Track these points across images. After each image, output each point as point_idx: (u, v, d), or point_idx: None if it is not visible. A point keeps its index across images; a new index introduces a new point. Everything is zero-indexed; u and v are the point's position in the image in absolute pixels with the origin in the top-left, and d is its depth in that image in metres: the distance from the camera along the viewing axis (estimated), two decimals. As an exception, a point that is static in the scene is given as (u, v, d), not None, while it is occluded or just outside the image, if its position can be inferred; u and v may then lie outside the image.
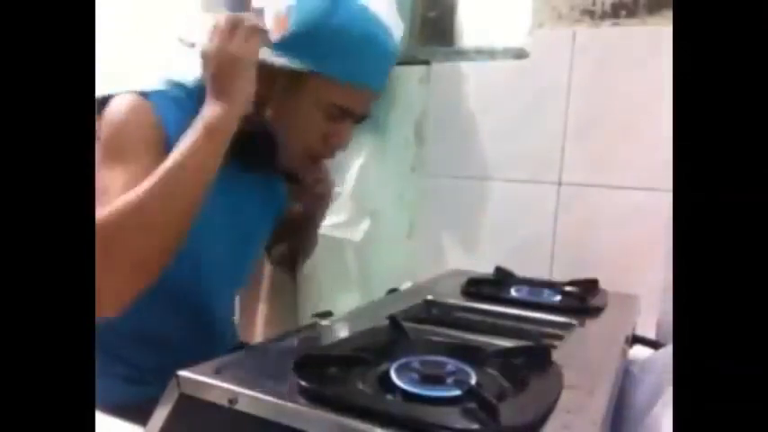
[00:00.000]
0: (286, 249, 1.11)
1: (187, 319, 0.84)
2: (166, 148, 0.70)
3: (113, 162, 0.70)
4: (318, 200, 0.97)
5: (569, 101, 1.23)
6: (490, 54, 1.35)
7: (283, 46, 0.73)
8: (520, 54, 1.28)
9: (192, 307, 0.84)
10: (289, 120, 0.77)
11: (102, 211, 0.62)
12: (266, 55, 0.73)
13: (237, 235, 0.87)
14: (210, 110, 0.68)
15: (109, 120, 0.72)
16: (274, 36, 0.73)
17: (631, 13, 1.18)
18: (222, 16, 0.70)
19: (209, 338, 0.88)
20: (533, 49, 1.26)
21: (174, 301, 0.81)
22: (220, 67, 0.68)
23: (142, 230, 0.63)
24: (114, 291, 0.63)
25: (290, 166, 0.83)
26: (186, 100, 0.77)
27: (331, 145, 0.80)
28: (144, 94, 0.75)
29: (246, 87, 0.69)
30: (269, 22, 0.73)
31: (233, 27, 0.69)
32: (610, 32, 1.19)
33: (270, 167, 0.84)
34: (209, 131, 0.67)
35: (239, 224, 0.87)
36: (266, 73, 0.73)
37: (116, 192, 0.65)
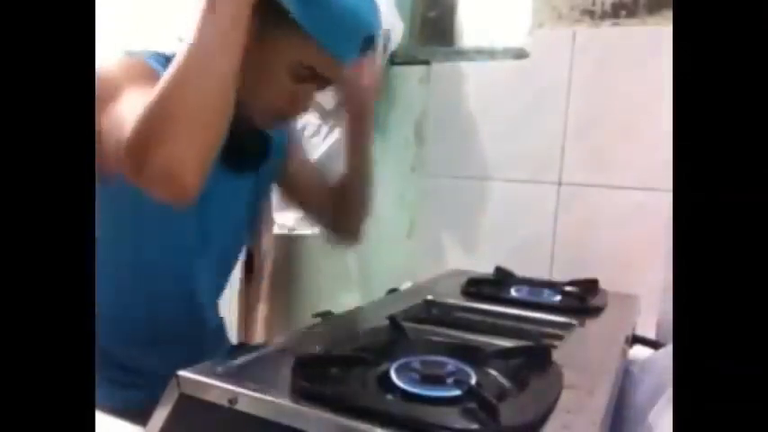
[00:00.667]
0: (343, 220, 1.02)
1: (174, 305, 0.85)
2: None
3: (118, 97, 0.68)
4: (365, 98, 0.91)
5: (569, 101, 1.23)
6: (490, 54, 1.35)
7: None
8: (520, 54, 1.29)
9: (180, 293, 0.85)
10: (256, 75, 0.74)
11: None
12: None
13: (226, 222, 0.87)
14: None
15: (103, 71, 0.70)
16: None
17: (631, 13, 1.18)
18: None
19: (196, 327, 0.89)
20: (533, 49, 1.26)
21: (160, 287, 0.82)
22: None
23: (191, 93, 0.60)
24: (191, 156, 0.60)
25: (256, 124, 0.81)
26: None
27: (295, 105, 0.78)
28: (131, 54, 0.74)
29: None
30: None
31: None
32: (610, 32, 1.19)
33: (257, 167, 0.84)
34: None
35: (227, 212, 0.86)
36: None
37: (135, 111, 0.63)
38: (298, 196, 1.02)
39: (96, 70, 0.69)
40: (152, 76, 0.70)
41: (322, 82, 0.77)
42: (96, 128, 0.65)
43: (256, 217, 0.99)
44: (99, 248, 0.74)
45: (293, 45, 0.72)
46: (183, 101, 0.60)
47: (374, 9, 0.76)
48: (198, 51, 0.62)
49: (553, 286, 0.98)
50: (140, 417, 0.55)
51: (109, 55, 0.74)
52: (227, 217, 0.88)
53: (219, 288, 0.96)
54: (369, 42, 0.76)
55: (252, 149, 0.84)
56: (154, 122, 0.59)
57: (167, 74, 0.61)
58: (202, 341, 0.90)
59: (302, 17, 0.70)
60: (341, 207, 0.98)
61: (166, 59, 0.75)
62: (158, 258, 0.82)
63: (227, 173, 0.82)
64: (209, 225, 0.84)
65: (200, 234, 0.83)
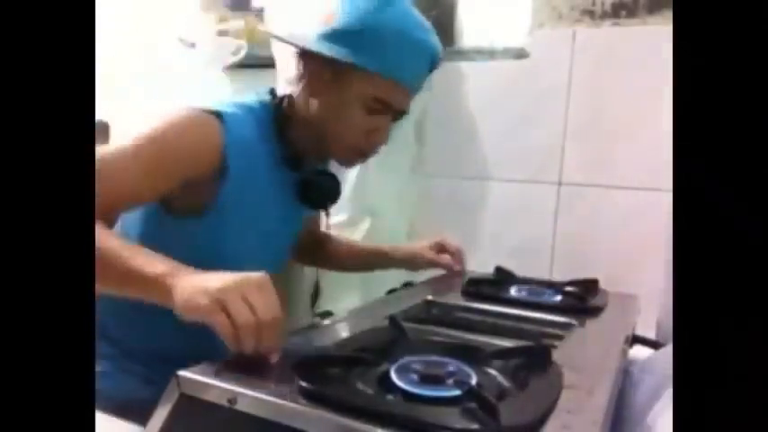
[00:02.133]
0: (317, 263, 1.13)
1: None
2: (222, 170, 0.75)
3: (138, 154, 0.70)
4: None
5: (569, 101, 1.23)
6: (490, 54, 1.35)
7: (329, 37, 0.76)
8: (520, 54, 1.29)
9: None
10: (333, 113, 0.80)
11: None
12: (312, 45, 0.76)
13: (267, 251, 0.88)
14: (169, 285, 0.58)
15: (169, 120, 0.73)
16: (322, 28, 0.76)
17: (631, 13, 1.18)
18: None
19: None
20: (533, 49, 1.26)
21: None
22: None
23: None
24: None
25: (336, 160, 0.87)
26: (253, 117, 0.81)
27: (372, 140, 0.82)
28: (218, 114, 0.76)
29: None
30: (276, 20, 0.74)
31: (269, 325, 0.55)
32: (610, 32, 1.19)
33: (327, 206, 0.92)
34: (153, 286, 0.59)
35: (269, 241, 0.88)
36: (312, 66, 0.78)
37: (114, 181, 0.67)
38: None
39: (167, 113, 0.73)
40: (185, 166, 0.73)
41: (395, 113, 0.82)
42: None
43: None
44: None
45: (364, 82, 0.77)
46: None
47: (429, 32, 0.80)
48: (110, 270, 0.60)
49: (553, 286, 0.98)
50: (141, 415, 0.55)
51: (191, 110, 0.75)
52: (279, 240, 0.92)
53: None
54: (435, 64, 0.82)
55: (327, 190, 0.88)
56: None
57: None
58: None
59: (374, 65, 0.75)
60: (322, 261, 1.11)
61: (259, 108, 0.83)
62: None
63: (298, 206, 0.88)
64: (262, 245, 0.86)
65: (247, 253, 0.83)
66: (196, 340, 0.67)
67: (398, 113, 0.83)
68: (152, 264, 0.60)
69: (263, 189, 0.82)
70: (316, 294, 0.99)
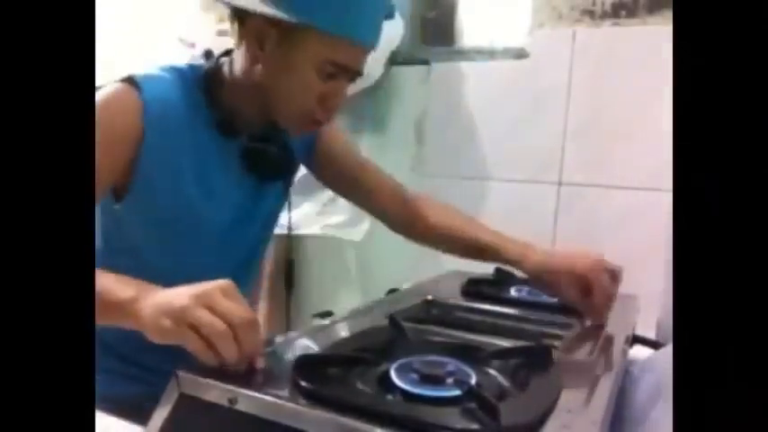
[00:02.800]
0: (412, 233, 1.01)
1: None
2: (141, 138, 0.70)
3: None
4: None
5: (569, 101, 1.23)
6: (490, 54, 1.35)
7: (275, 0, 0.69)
8: (520, 54, 1.29)
9: None
10: (282, 80, 0.73)
11: None
12: (256, 5, 0.68)
13: (247, 227, 0.86)
14: (137, 310, 0.56)
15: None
16: None
17: (631, 13, 1.18)
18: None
19: None
20: (533, 49, 1.26)
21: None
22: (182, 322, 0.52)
23: None
24: None
25: (285, 127, 0.79)
26: (180, 80, 0.76)
27: (327, 105, 0.75)
28: (133, 82, 0.72)
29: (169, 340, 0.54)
30: None
31: (246, 327, 0.53)
32: (610, 32, 1.19)
33: (284, 177, 0.84)
34: (122, 313, 0.57)
35: (249, 217, 0.86)
36: (257, 28, 0.71)
37: None
38: (333, 177, 0.96)
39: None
40: (120, 138, 0.69)
41: (350, 75, 0.75)
42: None
43: (276, 221, 0.96)
44: (114, 253, 0.75)
45: (314, 43, 0.70)
46: None
47: None
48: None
49: (553, 286, 0.98)
50: (140, 414, 0.55)
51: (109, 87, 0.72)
52: (249, 221, 0.87)
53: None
54: (389, 12, 0.76)
55: (276, 161, 0.82)
56: None
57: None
58: None
59: (320, 22, 0.68)
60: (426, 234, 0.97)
61: (180, 74, 0.77)
62: (175, 262, 0.80)
63: (250, 179, 0.82)
64: (230, 230, 0.83)
65: (220, 238, 0.82)
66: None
67: (354, 74, 0.75)
68: (119, 289, 0.58)
69: (189, 154, 0.75)
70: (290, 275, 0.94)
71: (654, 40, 1.13)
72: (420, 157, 1.41)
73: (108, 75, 0.73)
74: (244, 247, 0.88)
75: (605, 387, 0.56)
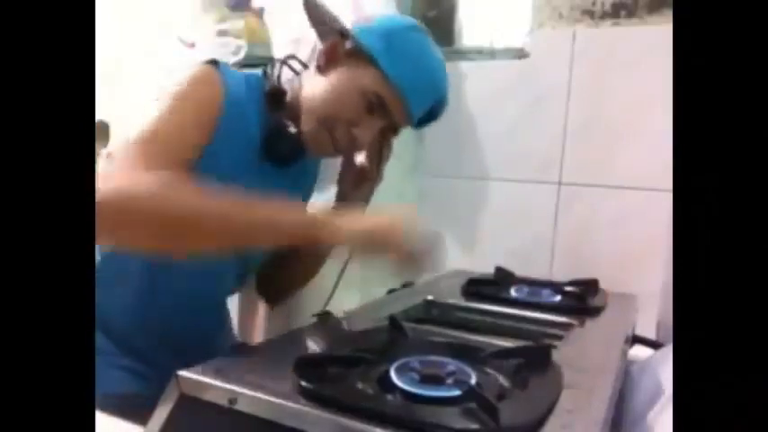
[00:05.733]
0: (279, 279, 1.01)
1: (190, 299, 0.85)
2: (217, 116, 0.76)
3: (167, 112, 0.73)
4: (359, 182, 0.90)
5: (569, 101, 1.23)
6: (490, 54, 1.35)
7: (361, 29, 0.79)
8: (520, 54, 1.28)
9: (199, 290, 0.86)
10: (333, 92, 0.79)
11: (158, 175, 0.63)
12: (350, 30, 0.79)
13: None
14: (334, 227, 0.67)
15: (178, 80, 0.76)
16: (356, 22, 0.81)
17: (631, 12, 1.18)
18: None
19: (211, 323, 0.91)
20: (533, 49, 1.26)
21: (186, 285, 0.82)
22: (387, 239, 0.66)
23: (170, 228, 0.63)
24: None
25: (306, 141, 0.82)
26: (253, 80, 0.83)
27: (353, 135, 0.79)
28: (215, 64, 0.79)
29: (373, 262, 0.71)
30: (276, 20, 0.76)
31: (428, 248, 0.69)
32: (610, 32, 1.19)
33: (295, 161, 0.85)
34: (310, 232, 0.67)
35: None
36: (337, 48, 0.79)
37: (164, 136, 0.70)
38: None
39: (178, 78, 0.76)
40: (207, 108, 0.75)
41: (388, 123, 0.80)
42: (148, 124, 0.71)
43: None
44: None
45: (372, 77, 0.77)
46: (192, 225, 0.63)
47: (445, 77, 0.82)
48: (242, 226, 0.65)
49: (553, 286, 0.98)
50: (140, 415, 0.55)
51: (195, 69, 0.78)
52: None
53: (239, 285, 0.97)
54: (437, 110, 0.83)
55: (287, 146, 0.83)
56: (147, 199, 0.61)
57: (211, 206, 0.63)
58: (215, 338, 0.91)
59: (387, 66, 0.76)
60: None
61: (255, 78, 0.84)
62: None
63: (263, 171, 0.83)
64: None
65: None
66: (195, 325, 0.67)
67: (390, 126, 0.81)
68: (288, 209, 0.68)
69: (242, 144, 0.80)
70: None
71: (654, 40, 1.13)
72: (420, 158, 1.41)
73: (108, 75, 0.73)
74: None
75: (605, 387, 0.56)
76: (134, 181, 0.63)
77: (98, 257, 0.79)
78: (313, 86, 0.81)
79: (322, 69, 0.81)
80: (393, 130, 0.83)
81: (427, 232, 0.66)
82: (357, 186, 0.89)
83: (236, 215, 0.63)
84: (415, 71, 0.78)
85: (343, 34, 0.80)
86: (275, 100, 0.83)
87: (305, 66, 0.89)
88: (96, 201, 0.56)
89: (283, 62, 0.87)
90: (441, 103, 0.83)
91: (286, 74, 0.86)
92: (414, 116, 0.81)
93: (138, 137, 0.70)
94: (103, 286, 0.66)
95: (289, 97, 0.83)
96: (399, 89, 0.77)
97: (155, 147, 0.70)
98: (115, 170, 0.67)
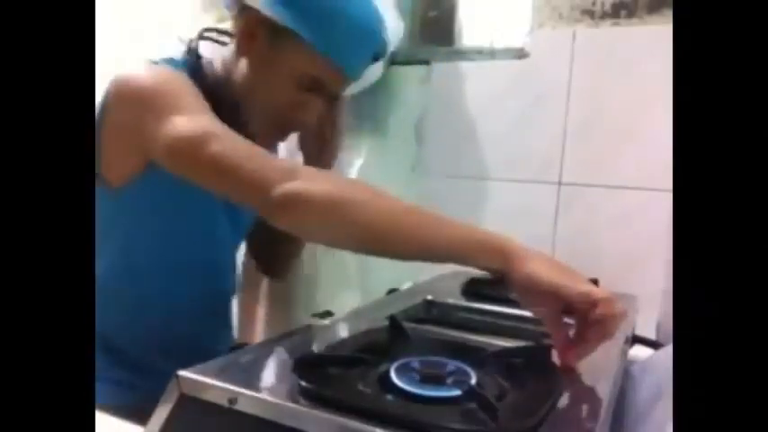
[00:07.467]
0: (272, 252, 1.04)
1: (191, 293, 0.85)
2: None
3: (183, 84, 0.71)
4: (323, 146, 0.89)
5: (569, 101, 1.23)
6: (490, 54, 1.34)
7: (275, 2, 0.71)
8: (520, 54, 1.28)
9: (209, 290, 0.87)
10: (262, 79, 0.75)
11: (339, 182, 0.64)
12: (256, 3, 0.71)
13: (237, 231, 0.89)
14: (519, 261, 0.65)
15: (152, 74, 0.72)
16: None
17: (631, 13, 1.17)
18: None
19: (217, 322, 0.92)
20: (533, 49, 1.26)
21: (188, 282, 0.83)
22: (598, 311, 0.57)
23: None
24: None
25: (254, 129, 0.79)
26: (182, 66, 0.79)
27: (296, 116, 0.77)
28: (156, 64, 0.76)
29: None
30: None
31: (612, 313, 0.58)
32: (610, 32, 1.19)
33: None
34: (490, 256, 0.65)
35: (238, 220, 0.88)
36: (252, 25, 0.73)
37: (199, 109, 0.67)
38: None
39: (125, 77, 0.72)
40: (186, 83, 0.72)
41: (328, 95, 0.78)
42: (144, 131, 0.65)
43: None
44: (123, 252, 0.76)
45: (301, 57, 0.72)
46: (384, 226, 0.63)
47: (381, 23, 0.77)
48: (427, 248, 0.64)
49: (553, 286, 0.98)
50: (141, 416, 0.55)
51: (135, 64, 0.76)
52: (238, 219, 0.88)
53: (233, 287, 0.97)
54: (378, 56, 0.78)
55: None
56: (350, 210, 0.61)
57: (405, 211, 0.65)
58: (215, 343, 0.91)
59: (312, 37, 0.71)
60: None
61: (176, 64, 0.78)
62: (190, 256, 0.82)
63: None
64: (240, 220, 0.86)
65: (231, 227, 0.85)
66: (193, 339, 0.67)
67: (331, 96, 0.78)
68: (486, 233, 0.66)
69: None
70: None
71: (654, 40, 1.13)
72: (420, 157, 1.41)
73: (108, 75, 0.73)
74: (228, 247, 0.90)
75: (605, 387, 0.56)
76: (340, 186, 0.62)
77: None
78: (244, 74, 0.76)
79: (242, 52, 0.75)
80: (334, 96, 0.79)
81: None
82: (321, 150, 0.87)
83: (434, 229, 0.63)
84: (344, 33, 0.72)
85: (245, 7, 0.73)
86: (205, 85, 0.76)
87: (228, 34, 0.82)
88: (305, 198, 0.58)
89: (201, 36, 0.82)
90: (380, 51, 0.79)
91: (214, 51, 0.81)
92: (355, 77, 0.77)
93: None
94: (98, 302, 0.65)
95: (222, 84, 0.78)
96: (331, 59, 0.72)
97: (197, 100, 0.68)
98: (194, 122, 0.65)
